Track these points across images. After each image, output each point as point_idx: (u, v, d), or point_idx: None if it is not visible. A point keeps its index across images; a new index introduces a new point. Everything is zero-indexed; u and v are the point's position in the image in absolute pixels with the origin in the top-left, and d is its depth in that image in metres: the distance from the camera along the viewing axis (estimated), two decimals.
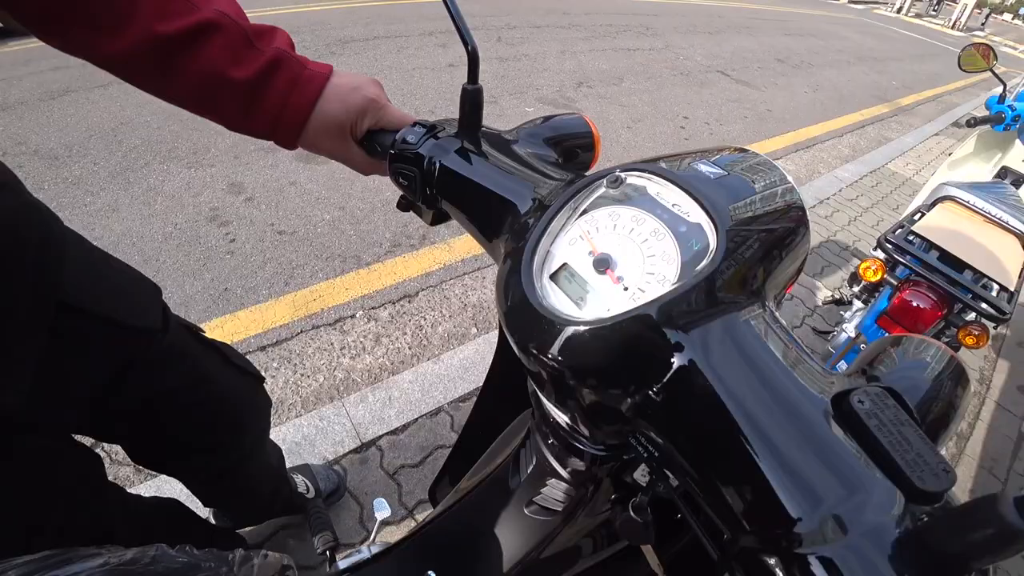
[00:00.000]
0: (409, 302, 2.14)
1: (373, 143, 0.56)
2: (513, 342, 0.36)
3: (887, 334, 1.23)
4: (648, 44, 6.63)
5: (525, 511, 0.59)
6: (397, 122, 0.55)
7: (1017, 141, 1.82)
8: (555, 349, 0.32)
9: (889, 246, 1.19)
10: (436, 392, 1.67)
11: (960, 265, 1.20)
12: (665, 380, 0.30)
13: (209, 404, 0.79)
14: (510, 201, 0.45)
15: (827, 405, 0.30)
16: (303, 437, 1.48)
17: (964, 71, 1.76)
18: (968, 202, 1.40)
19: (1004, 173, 1.87)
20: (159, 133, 2.92)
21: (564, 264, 0.37)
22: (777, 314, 0.34)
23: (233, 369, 0.83)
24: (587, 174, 0.42)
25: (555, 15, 7.24)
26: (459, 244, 2.46)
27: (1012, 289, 1.15)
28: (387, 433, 1.56)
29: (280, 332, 1.90)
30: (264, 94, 0.48)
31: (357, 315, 2.04)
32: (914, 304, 1.17)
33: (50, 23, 0.43)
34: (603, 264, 0.35)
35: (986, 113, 1.72)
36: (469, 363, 1.84)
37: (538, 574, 0.61)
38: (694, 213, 0.35)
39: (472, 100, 0.50)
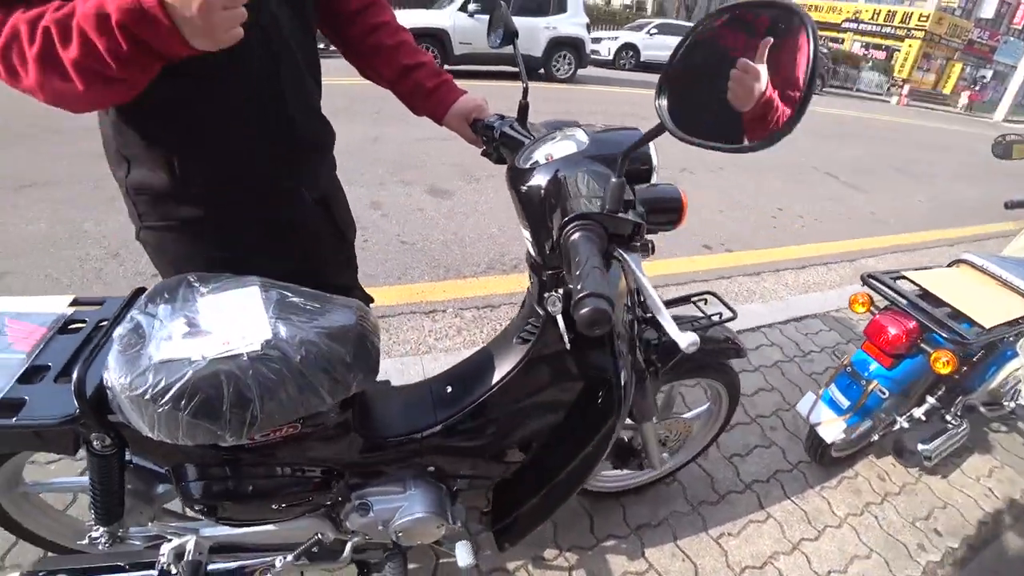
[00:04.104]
0: (491, 310, 2.57)
1: (475, 126, 1.06)
2: (510, 184, 0.79)
3: (867, 357, 1.43)
4: None
5: (514, 341, 0.98)
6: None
7: None
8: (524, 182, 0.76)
9: (873, 281, 1.43)
10: None
11: (939, 303, 1.40)
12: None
13: None
14: (521, 142, 0.91)
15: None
16: (384, 373, 1.92)
17: (1002, 159, 1.82)
18: (982, 266, 1.58)
19: None
20: None
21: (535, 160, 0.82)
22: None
23: None
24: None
25: None
26: None
27: (985, 327, 1.32)
28: None
29: (385, 310, 2.42)
30: (436, 96, 1.06)
31: (447, 311, 2.51)
32: (885, 327, 1.37)
33: None
34: (546, 155, 0.80)
35: None
36: None
37: (512, 387, 0.98)
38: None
39: (522, 108, 0.99)
